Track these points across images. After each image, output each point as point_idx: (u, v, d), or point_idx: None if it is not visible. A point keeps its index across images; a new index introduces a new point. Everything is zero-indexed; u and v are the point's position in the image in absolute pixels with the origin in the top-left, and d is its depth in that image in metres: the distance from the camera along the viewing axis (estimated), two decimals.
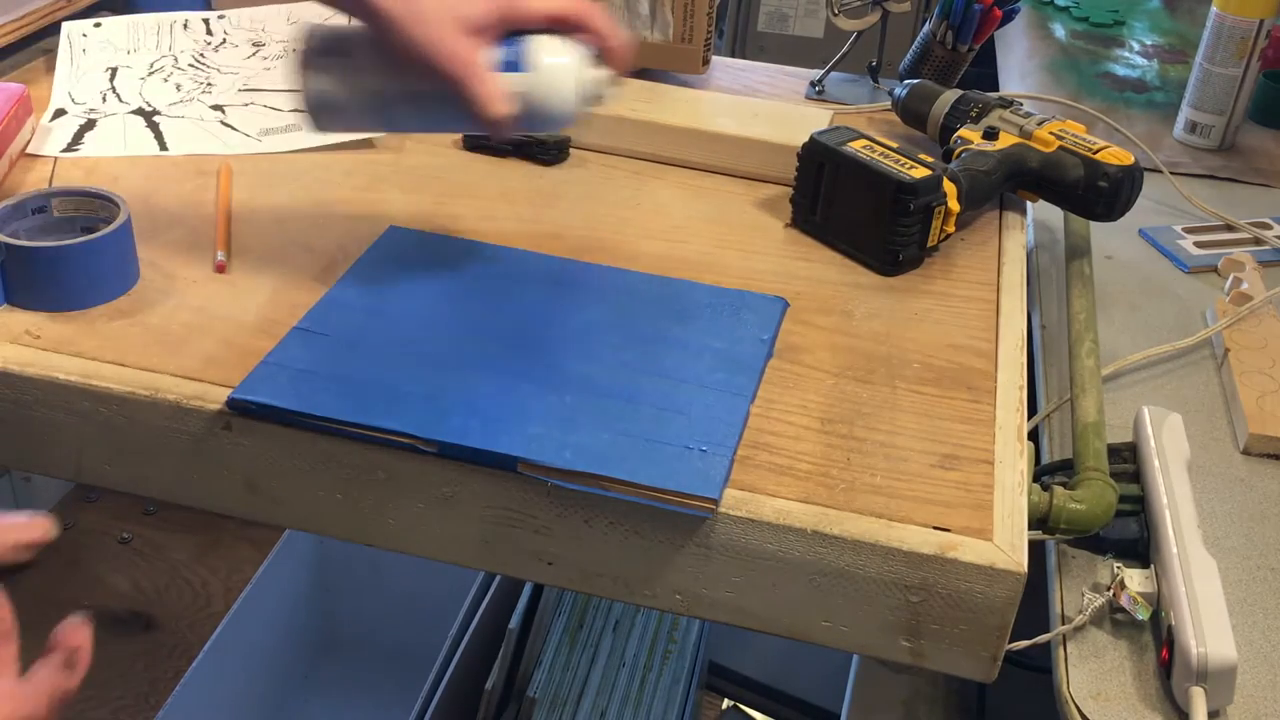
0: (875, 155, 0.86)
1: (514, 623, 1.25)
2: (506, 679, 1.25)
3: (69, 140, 0.96)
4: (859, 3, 1.13)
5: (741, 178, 0.99)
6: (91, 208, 0.79)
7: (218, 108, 1.01)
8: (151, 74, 1.04)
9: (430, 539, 0.69)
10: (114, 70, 1.05)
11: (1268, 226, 1.11)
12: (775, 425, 0.70)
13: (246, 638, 1.47)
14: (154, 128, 0.98)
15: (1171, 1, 1.77)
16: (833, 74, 1.17)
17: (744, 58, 1.44)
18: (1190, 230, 1.11)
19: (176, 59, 1.06)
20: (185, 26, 1.09)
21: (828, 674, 1.52)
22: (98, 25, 1.09)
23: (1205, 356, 0.94)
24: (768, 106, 1.06)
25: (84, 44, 1.07)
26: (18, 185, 0.91)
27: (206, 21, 1.10)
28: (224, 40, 1.09)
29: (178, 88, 1.03)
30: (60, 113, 1.00)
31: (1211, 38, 1.24)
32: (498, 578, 1.35)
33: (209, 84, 1.04)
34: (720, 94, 1.13)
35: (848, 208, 0.87)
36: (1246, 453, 0.84)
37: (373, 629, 1.68)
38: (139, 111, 1.00)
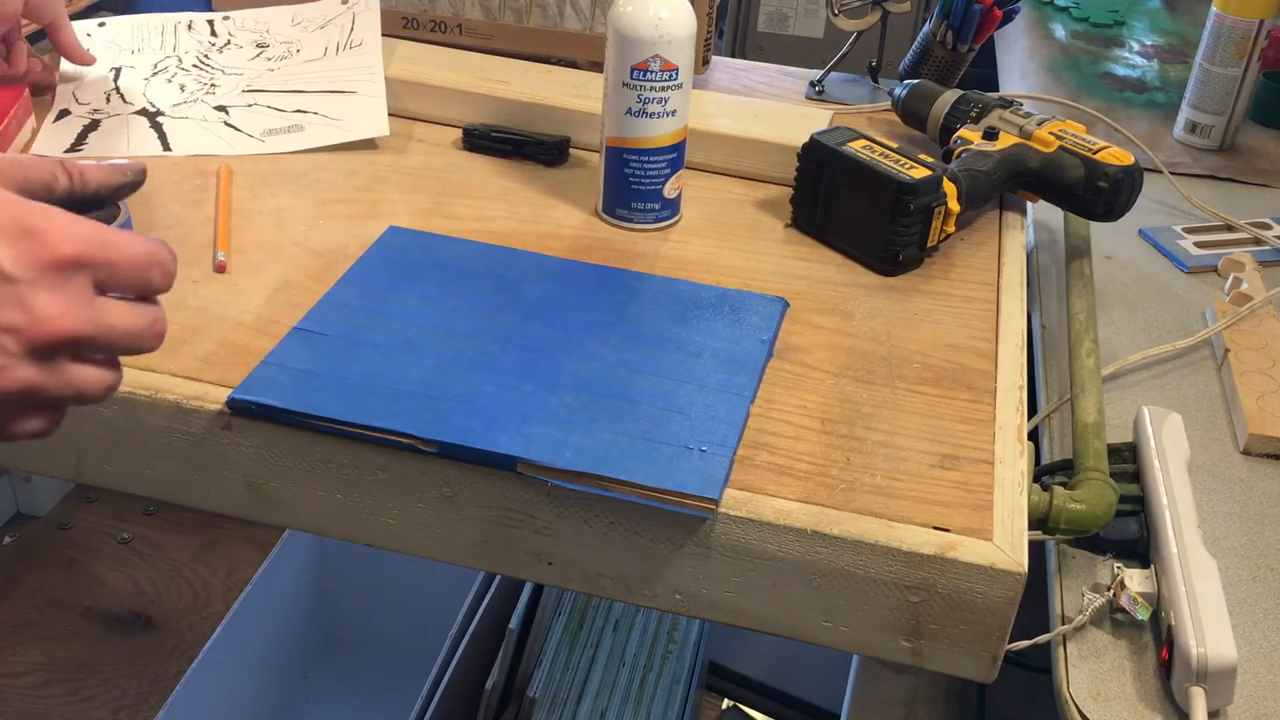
0: (875, 155, 0.86)
1: (514, 623, 1.25)
2: (506, 679, 1.25)
3: (72, 141, 0.96)
4: (859, 3, 1.13)
5: (741, 178, 0.99)
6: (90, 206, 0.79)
7: (221, 108, 1.00)
8: (155, 74, 1.04)
9: (430, 539, 0.69)
10: (118, 70, 1.04)
11: (1268, 226, 1.11)
12: (775, 425, 0.70)
13: (246, 638, 1.47)
14: (158, 128, 0.98)
15: (1171, 1, 1.77)
16: (833, 74, 1.17)
17: (744, 58, 1.44)
18: (1190, 230, 1.11)
19: (180, 60, 1.06)
20: (190, 27, 1.09)
21: (828, 674, 1.52)
22: (102, 25, 1.09)
23: (1205, 356, 0.94)
24: (768, 106, 1.06)
25: (88, 44, 1.07)
26: None
27: (211, 23, 1.10)
28: (228, 41, 1.08)
29: (181, 88, 1.03)
30: (64, 113, 1.00)
31: (1211, 38, 1.24)
32: (498, 578, 1.35)
33: (213, 85, 1.03)
34: (720, 94, 1.13)
35: (848, 208, 0.87)
36: (1246, 453, 0.84)
37: (373, 629, 1.68)
38: (143, 112, 1.00)
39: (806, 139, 0.89)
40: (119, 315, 0.45)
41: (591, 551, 0.66)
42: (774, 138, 0.98)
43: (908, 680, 1.11)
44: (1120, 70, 1.50)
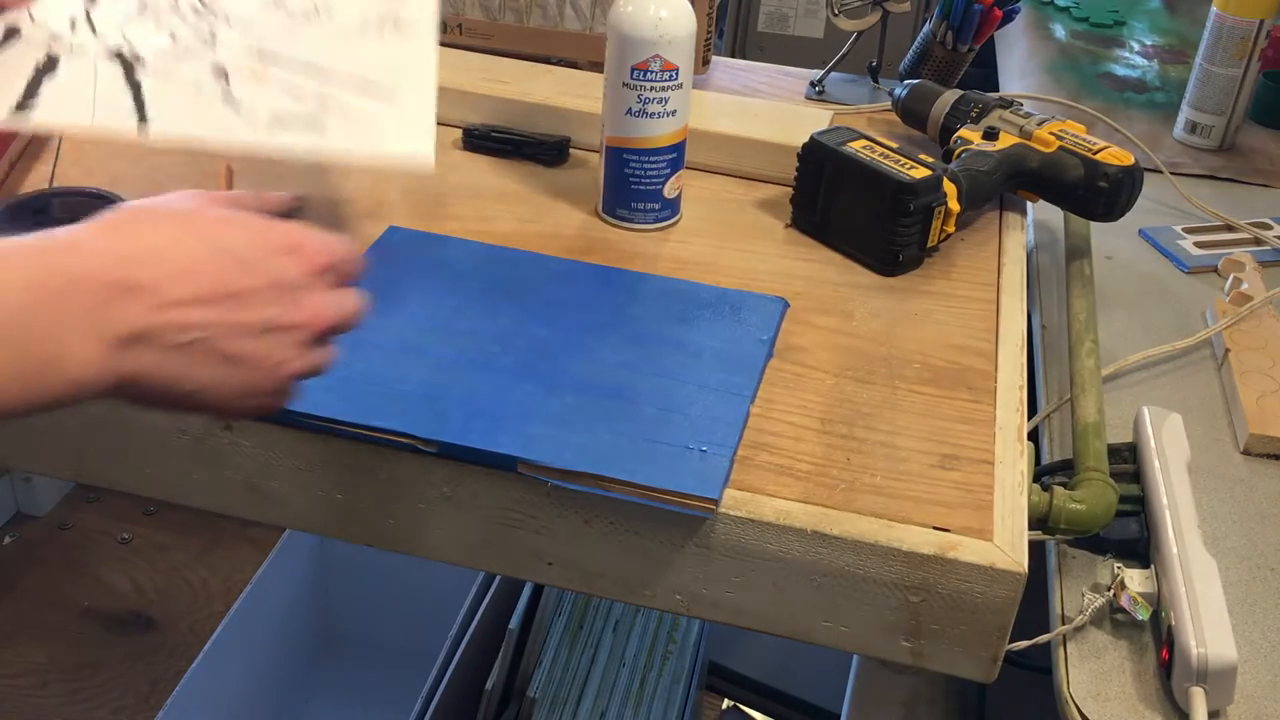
0: (875, 155, 0.86)
1: (514, 623, 1.25)
2: (506, 679, 1.25)
3: (21, 91, 0.72)
4: (859, 3, 1.13)
5: (741, 178, 0.99)
6: (91, 208, 0.79)
7: (221, 72, 0.77)
8: (142, 10, 0.79)
9: (430, 539, 0.69)
10: None
11: (1268, 226, 1.11)
12: (775, 425, 0.70)
13: (246, 638, 1.47)
14: (134, 86, 0.75)
15: (1171, 1, 1.77)
16: (833, 74, 1.17)
17: (744, 58, 1.44)
18: (1190, 230, 1.11)
19: None
20: None
21: (828, 674, 1.52)
22: None
23: (1205, 356, 0.94)
24: (768, 106, 1.06)
25: None
26: (18, 185, 0.91)
27: None
28: None
29: (172, 36, 0.78)
30: (12, 34, 0.75)
31: (1211, 38, 1.24)
32: (498, 578, 1.35)
33: (213, 36, 0.78)
34: (720, 94, 1.13)
35: (848, 208, 0.87)
36: (1246, 453, 0.84)
37: (373, 629, 1.68)
38: (116, 56, 0.76)
39: (806, 139, 0.89)
40: (352, 301, 0.54)
41: (591, 551, 0.66)
42: (774, 138, 0.98)
43: (908, 680, 1.11)
44: (1120, 70, 1.50)
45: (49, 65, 0.75)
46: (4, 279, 0.44)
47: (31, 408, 0.44)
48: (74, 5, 0.77)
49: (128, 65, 0.77)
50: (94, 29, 0.77)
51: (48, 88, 0.74)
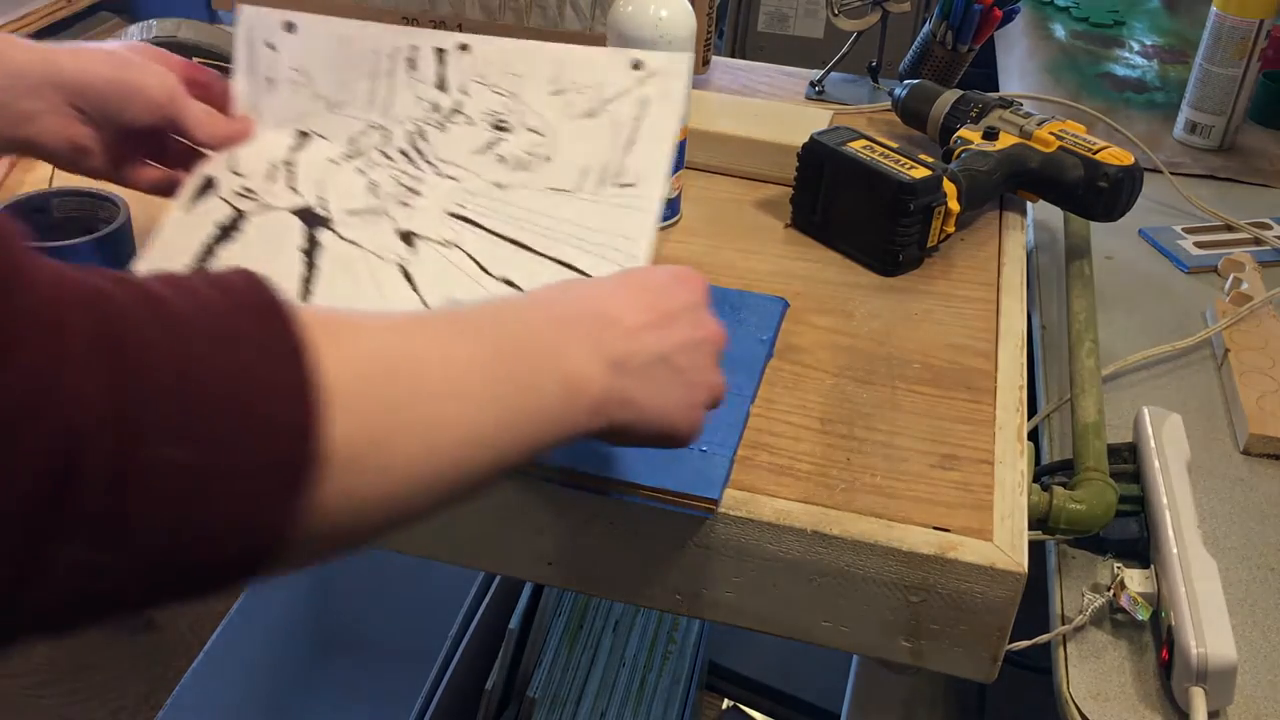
0: (875, 155, 0.86)
1: (514, 623, 1.25)
2: (506, 679, 1.25)
3: (197, 253, 0.68)
4: (859, 3, 1.13)
5: (741, 178, 0.99)
6: (91, 208, 0.79)
7: (408, 238, 0.69)
8: (350, 158, 0.72)
9: (430, 539, 0.69)
10: (305, 136, 0.72)
11: (1268, 226, 1.11)
12: (775, 425, 0.70)
13: (246, 638, 1.47)
14: (309, 251, 0.68)
15: (1171, 1, 1.77)
16: (833, 74, 1.17)
17: (744, 58, 1.44)
18: (1190, 230, 1.11)
19: (388, 133, 0.73)
20: (413, 66, 0.73)
21: (828, 674, 1.52)
22: (291, 28, 0.74)
23: (1205, 356, 0.94)
24: (768, 106, 1.06)
25: (270, 62, 0.73)
26: (18, 185, 0.91)
27: (442, 55, 0.73)
28: (458, 109, 0.73)
29: (372, 186, 0.71)
30: (208, 186, 0.71)
31: (1211, 38, 1.24)
32: (498, 578, 1.35)
33: (414, 192, 0.71)
34: (720, 94, 1.13)
35: (848, 208, 0.87)
36: (1246, 453, 0.84)
37: (373, 629, 1.68)
38: (304, 213, 0.70)
39: (806, 139, 0.89)
40: (723, 326, 0.57)
41: (591, 551, 0.66)
42: (774, 138, 0.98)
43: (908, 680, 1.11)
44: (1120, 70, 1.50)
45: (230, 227, 0.70)
46: (526, 312, 0.50)
47: (561, 438, 0.48)
48: (280, 148, 0.72)
49: (312, 224, 0.70)
50: (293, 184, 0.71)
51: (222, 255, 0.68)
